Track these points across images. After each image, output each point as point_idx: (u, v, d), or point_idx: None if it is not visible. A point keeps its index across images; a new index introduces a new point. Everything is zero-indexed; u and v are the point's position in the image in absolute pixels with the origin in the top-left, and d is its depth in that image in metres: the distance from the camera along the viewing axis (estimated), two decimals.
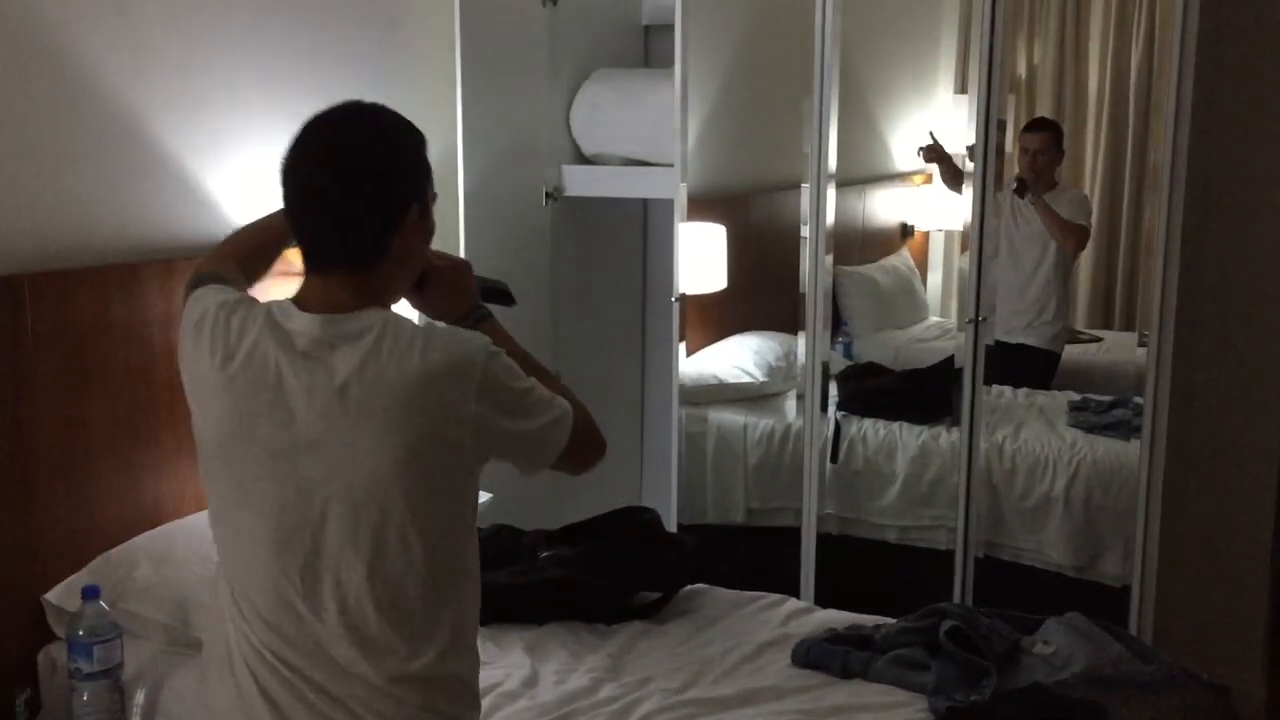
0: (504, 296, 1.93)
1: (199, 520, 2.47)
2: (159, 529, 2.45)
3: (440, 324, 1.68)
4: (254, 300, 1.61)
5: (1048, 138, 3.56)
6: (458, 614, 1.59)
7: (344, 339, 1.49)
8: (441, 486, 1.52)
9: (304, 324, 1.51)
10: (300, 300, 1.55)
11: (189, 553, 2.34)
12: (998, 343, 3.31)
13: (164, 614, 2.25)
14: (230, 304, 1.59)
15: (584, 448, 1.67)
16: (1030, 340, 3.59)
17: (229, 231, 2.66)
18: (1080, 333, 3.88)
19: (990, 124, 3.11)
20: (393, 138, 1.56)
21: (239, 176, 2.70)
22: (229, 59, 2.66)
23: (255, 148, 2.73)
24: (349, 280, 1.53)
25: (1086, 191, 3.73)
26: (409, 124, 1.59)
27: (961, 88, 3.83)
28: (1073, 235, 3.56)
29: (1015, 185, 3.52)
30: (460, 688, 1.60)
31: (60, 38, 2.30)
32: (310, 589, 1.52)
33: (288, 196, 1.55)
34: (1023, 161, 3.51)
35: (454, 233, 3.14)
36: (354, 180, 1.51)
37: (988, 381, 3.25)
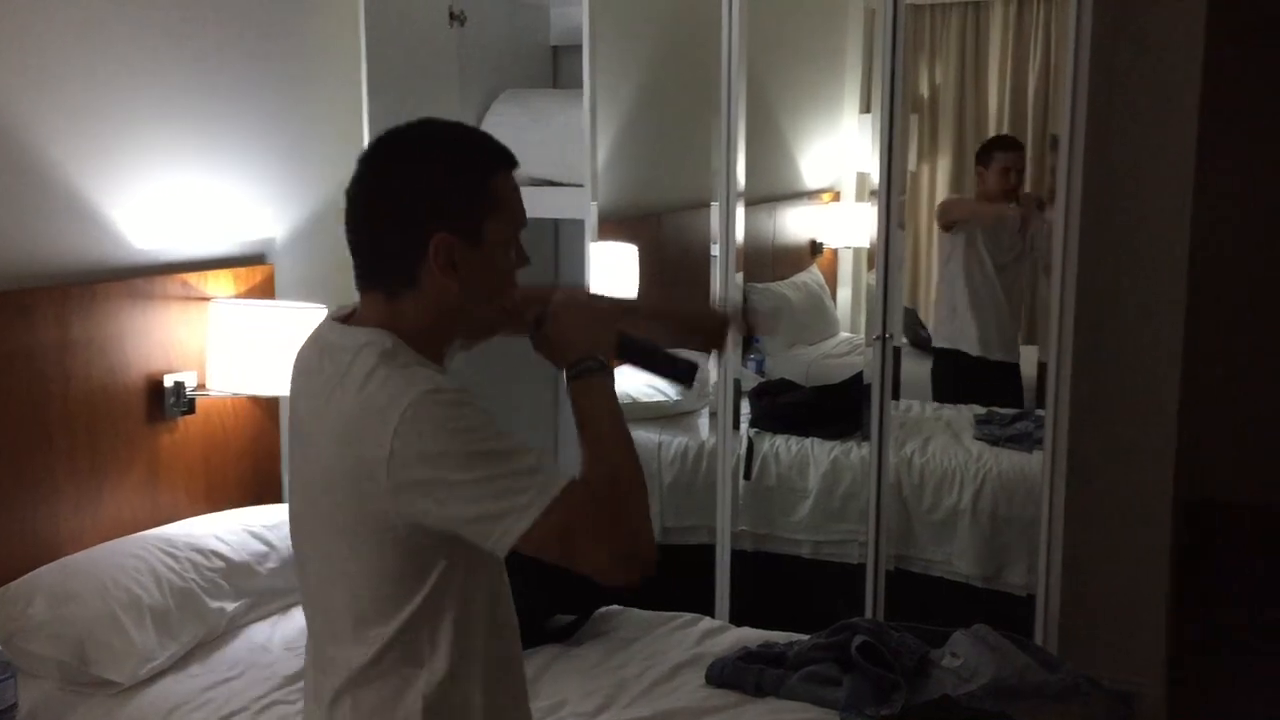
0: (679, 374, 1.58)
1: (101, 553, 2.41)
2: (57, 563, 2.38)
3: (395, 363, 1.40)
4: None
5: (1022, 155, 3.61)
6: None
7: (336, 352, 1.40)
8: (362, 537, 1.36)
9: (325, 329, 1.46)
10: (353, 311, 1.47)
11: (89, 588, 2.27)
12: (985, 361, 3.38)
13: (61, 652, 2.18)
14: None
15: (593, 535, 1.34)
16: (1013, 357, 3.66)
17: (131, 259, 2.64)
18: None
19: (894, 143, 3.17)
20: (424, 155, 1.40)
21: (142, 203, 2.64)
22: (130, 85, 2.61)
23: (158, 174, 2.67)
24: (377, 302, 1.42)
25: None
26: (463, 141, 1.44)
27: (866, 107, 3.90)
28: None
29: (1019, 211, 3.55)
30: None
31: None
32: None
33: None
34: (1001, 181, 3.55)
35: None
36: (373, 198, 1.41)
37: (954, 400, 3.32)
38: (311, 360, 1.45)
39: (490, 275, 1.42)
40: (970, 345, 3.68)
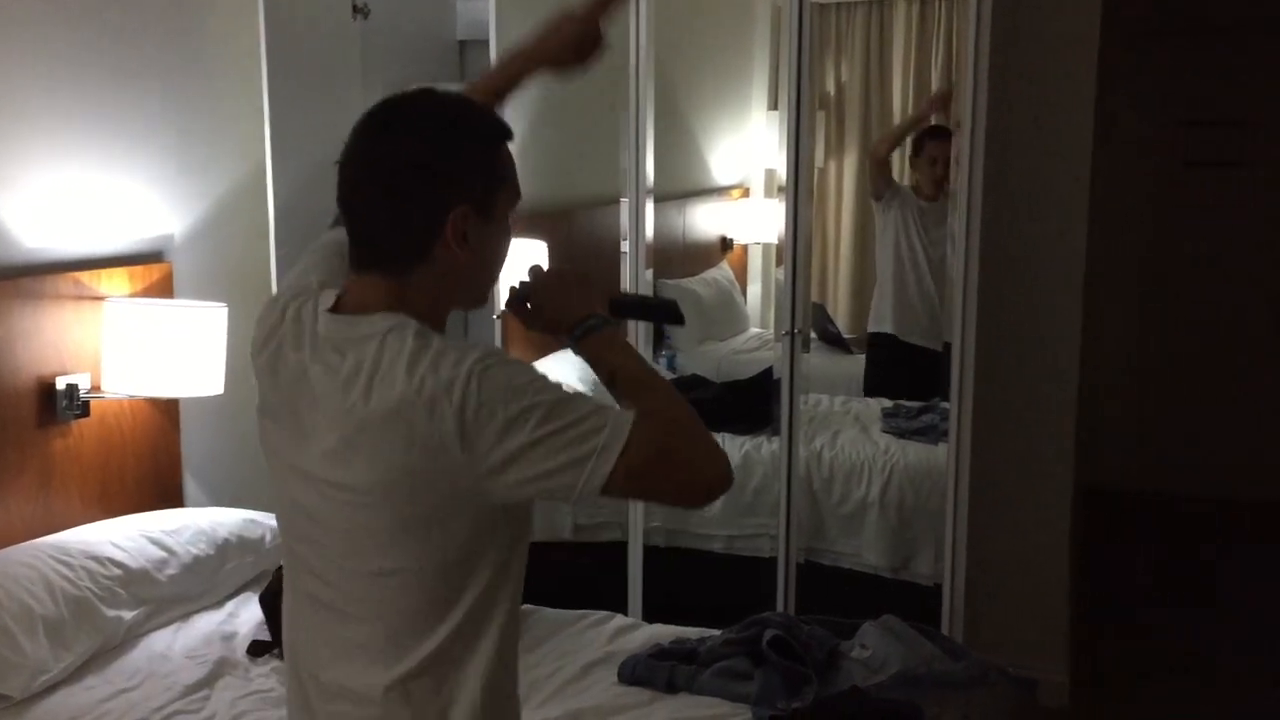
0: (670, 314, 1.68)
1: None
2: None
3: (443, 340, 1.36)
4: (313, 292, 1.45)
5: (949, 145, 3.64)
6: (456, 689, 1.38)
7: (349, 346, 1.33)
8: (428, 525, 1.31)
9: (323, 323, 1.38)
10: (339, 298, 1.41)
11: None
12: (914, 347, 3.40)
13: None
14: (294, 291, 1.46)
15: (668, 466, 1.33)
16: (933, 344, 3.66)
17: (19, 257, 2.54)
18: None
19: (801, 140, 3.20)
20: (437, 129, 1.37)
21: (30, 200, 2.55)
22: (14, 76, 2.51)
23: (48, 169, 2.58)
24: (380, 284, 1.37)
25: None
26: (470, 119, 1.41)
27: (774, 104, 3.93)
28: None
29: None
30: None
31: None
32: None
33: (337, 189, 1.41)
34: (928, 172, 3.58)
35: (264, 252, 3.03)
36: (380, 174, 1.36)
37: (907, 396, 3.35)
38: (313, 363, 1.36)
39: (497, 248, 1.42)
40: (890, 327, 3.74)
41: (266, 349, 1.42)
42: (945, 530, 3.16)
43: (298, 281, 1.49)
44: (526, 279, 1.52)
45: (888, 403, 3.65)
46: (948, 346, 3.13)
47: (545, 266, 1.55)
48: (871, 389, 3.80)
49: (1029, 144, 3.32)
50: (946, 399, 3.13)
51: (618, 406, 1.37)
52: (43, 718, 2.10)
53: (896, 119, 3.98)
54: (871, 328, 3.83)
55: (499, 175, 1.40)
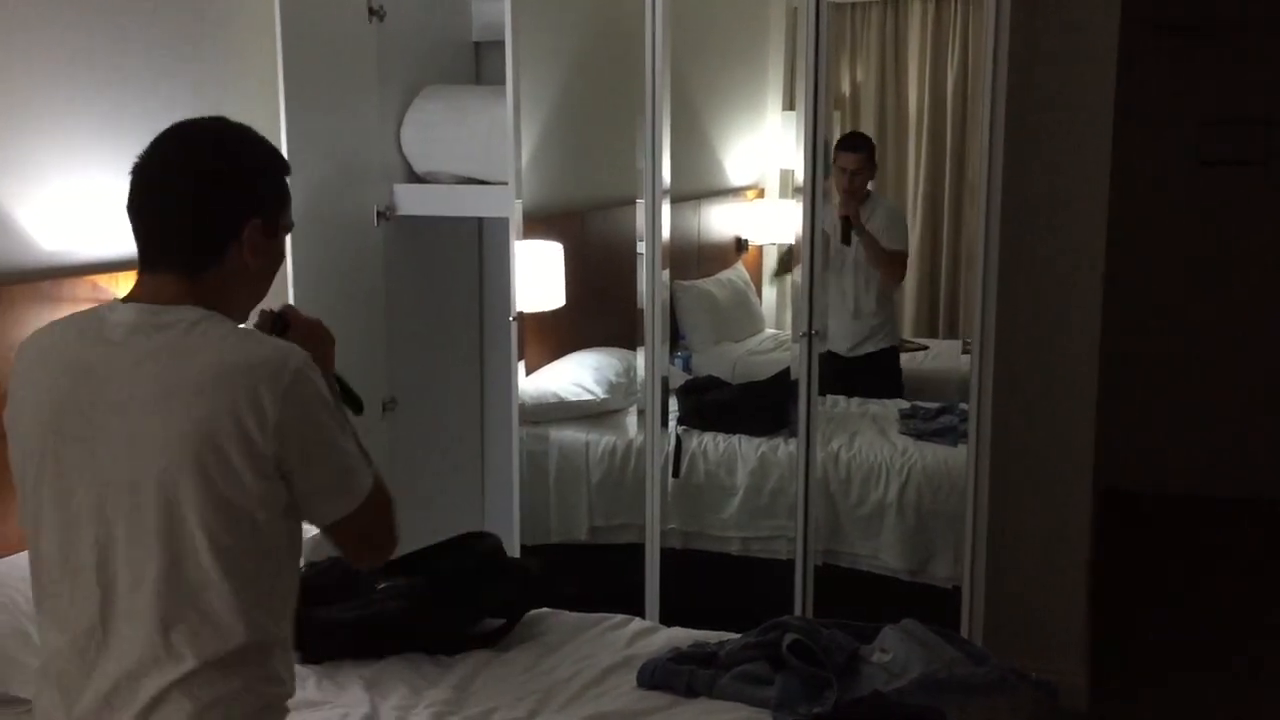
0: (354, 402, 1.89)
1: (6, 565, 2.32)
2: None
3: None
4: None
5: (864, 157, 3.61)
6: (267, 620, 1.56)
7: (158, 328, 1.51)
8: (236, 487, 1.48)
9: (122, 313, 1.54)
10: (129, 296, 1.58)
11: None
12: (834, 356, 3.38)
13: None
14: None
15: (375, 527, 1.64)
16: (870, 349, 3.67)
17: (38, 260, 2.54)
18: (908, 341, 4.00)
19: (817, 140, 3.18)
20: (239, 152, 1.60)
21: (48, 204, 2.55)
22: (33, 81, 2.51)
23: (65, 174, 2.58)
24: (175, 281, 1.55)
25: (908, 203, 3.84)
26: (268, 148, 1.64)
27: (789, 105, 3.91)
28: (897, 267, 3.65)
29: (840, 226, 3.49)
30: None
31: None
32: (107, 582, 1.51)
33: (129, 193, 1.58)
34: (839, 180, 3.53)
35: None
36: (189, 182, 1.55)
37: (823, 392, 3.32)
38: (107, 349, 1.52)
39: (272, 263, 1.64)
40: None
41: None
42: (964, 532, 3.14)
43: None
44: (279, 311, 1.74)
45: (905, 404, 3.63)
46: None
47: (299, 312, 1.77)
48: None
49: (1047, 143, 3.30)
50: (965, 400, 3.11)
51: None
52: None
53: (912, 118, 3.96)
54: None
55: (285, 200, 1.64)
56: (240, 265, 1.57)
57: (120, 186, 2.71)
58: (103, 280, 2.65)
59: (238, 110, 3.07)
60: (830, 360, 3.36)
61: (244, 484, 1.47)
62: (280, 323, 1.73)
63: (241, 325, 1.63)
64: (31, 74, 2.52)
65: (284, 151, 3.02)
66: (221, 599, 1.49)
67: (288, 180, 1.66)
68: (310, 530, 2.75)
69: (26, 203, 2.51)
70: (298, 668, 2.29)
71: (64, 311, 2.53)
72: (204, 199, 1.55)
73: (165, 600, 1.48)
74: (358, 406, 1.92)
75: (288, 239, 1.70)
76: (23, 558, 2.34)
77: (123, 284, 2.69)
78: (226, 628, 1.50)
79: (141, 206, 1.57)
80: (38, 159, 2.53)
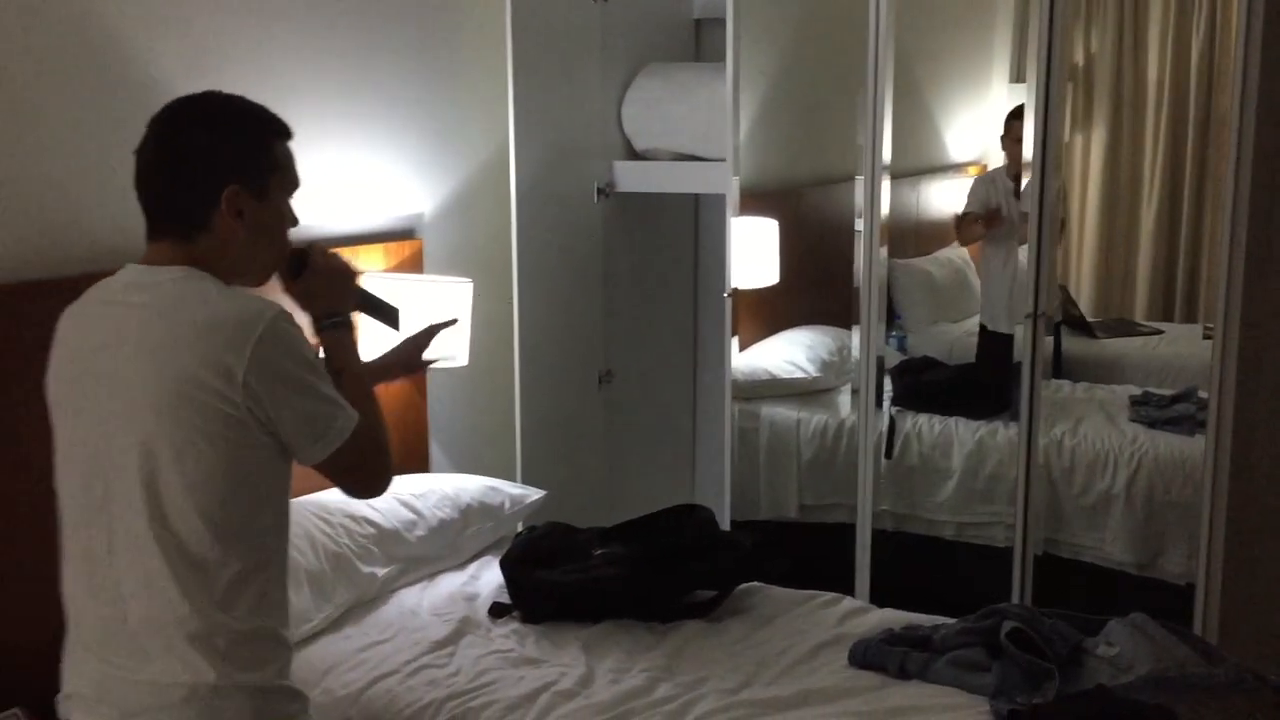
0: (390, 317, 1.94)
1: None
2: None
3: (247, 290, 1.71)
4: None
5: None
6: (263, 580, 1.64)
7: (146, 286, 1.62)
8: (209, 436, 1.56)
9: (125, 274, 1.66)
10: (140, 261, 1.69)
11: None
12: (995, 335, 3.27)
13: None
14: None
15: (367, 462, 1.73)
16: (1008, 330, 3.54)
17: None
18: (1140, 325, 3.82)
19: (1050, 113, 3.06)
20: (217, 121, 1.66)
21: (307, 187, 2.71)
22: (290, 67, 2.68)
23: (314, 151, 2.71)
24: (170, 247, 1.65)
25: (1143, 180, 3.66)
26: (251, 115, 1.69)
27: (1018, 77, 3.77)
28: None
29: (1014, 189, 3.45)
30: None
31: (126, 47, 2.33)
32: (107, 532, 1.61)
33: (134, 175, 1.68)
34: (1014, 151, 3.40)
35: (506, 231, 3.14)
36: (168, 156, 1.64)
37: (1047, 376, 3.21)
38: (105, 306, 1.64)
39: (269, 227, 1.69)
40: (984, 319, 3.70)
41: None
42: (1200, 527, 2.97)
43: None
44: (301, 250, 1.79)
45: (1136, 390, 3.46)
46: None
47: (324, 250, 1.83)
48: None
49: None
50: (1204, 387, 2.95)
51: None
52: (306, 664, 2.25)
53: (1151, 92, 3.76)
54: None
55: (271, 163, 1.68)
56: (231, 233, 1.64)
57: (364, 163, 2.88)
58: (345, 253, 2.80)
59: (468, 92, 3.21)
60: (990, 341, 3.25)
61: (220, 432, 1.56)
62: (298, 263, 1.79)
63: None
64: (287, 59, 2.68)
65: (510, 132, 3.15)
66: (204, 544, 1.58)
67: (284, 142, 1.71)
68: (530, 494, 2.86)
69: None
70: (518, 626, 2.40)
71: None
72: (174, 172, 1.64)
73: (159, 543, 1.58)
74: (393, 321, 1.95)
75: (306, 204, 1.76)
76: None
77: (363, 257, 2.85)
78: (214, 566, 1.59)
79: (137, 182, 1.66)
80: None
